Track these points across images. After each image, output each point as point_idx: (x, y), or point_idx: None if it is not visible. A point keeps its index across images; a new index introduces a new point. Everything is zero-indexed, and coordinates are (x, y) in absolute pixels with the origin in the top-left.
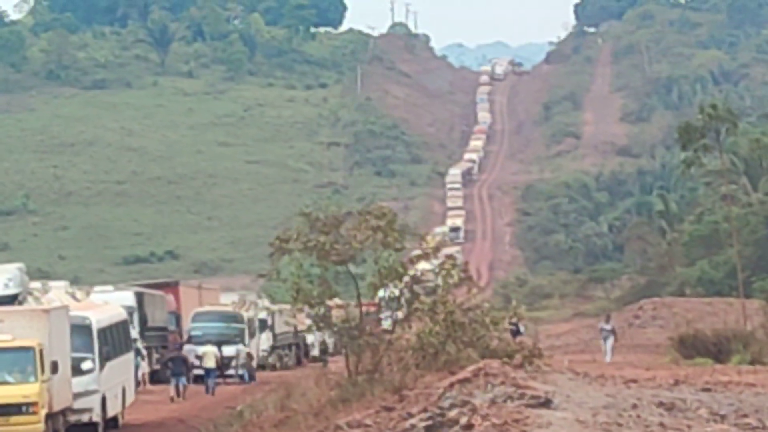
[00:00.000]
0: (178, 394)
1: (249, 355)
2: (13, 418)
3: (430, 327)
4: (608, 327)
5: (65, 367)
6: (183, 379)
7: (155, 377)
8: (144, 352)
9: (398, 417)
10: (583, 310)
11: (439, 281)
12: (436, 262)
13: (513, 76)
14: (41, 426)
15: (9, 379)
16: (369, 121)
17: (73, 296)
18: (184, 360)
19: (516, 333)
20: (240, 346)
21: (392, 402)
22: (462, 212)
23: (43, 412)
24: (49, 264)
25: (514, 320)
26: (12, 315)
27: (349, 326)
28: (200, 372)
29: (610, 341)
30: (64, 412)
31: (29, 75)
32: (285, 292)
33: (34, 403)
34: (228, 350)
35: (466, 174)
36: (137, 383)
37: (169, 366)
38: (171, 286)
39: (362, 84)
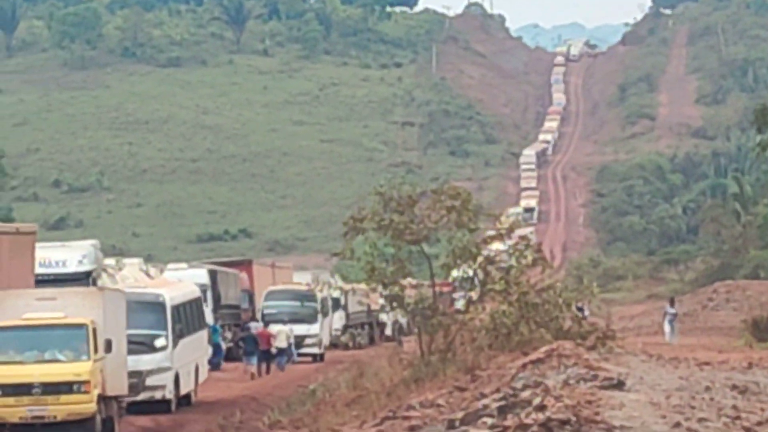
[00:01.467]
0: (259, 373)
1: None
2: (64, 397)
3: (503, 307)
4: (672, 310)
5: (120, 353)
6: (254, 359)
7: (228, 355)
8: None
9: (471, 397)
10: (657, 292)
11: (513, 262)
12: (509, 242)
13: (588, 57)
14: (93, 406)
15: (60, 357)
16: (443, 101)
17: (147, 273)
18: (256, 339)
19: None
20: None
21: (465, 382)
22: (536, 193)
23: (96, 392)
24: (123, 241)
25: (580, 304)
26: (65, 294)
27: (422, 306)
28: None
29: (675, 324)
30: (118, 399)
31: (105, 52)
32: (358, 272)
33: (86, 382)
34: (301, 329)
35: (541, 155)
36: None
37: (241, 345)
38: (244, 265)
39: (437, 64)
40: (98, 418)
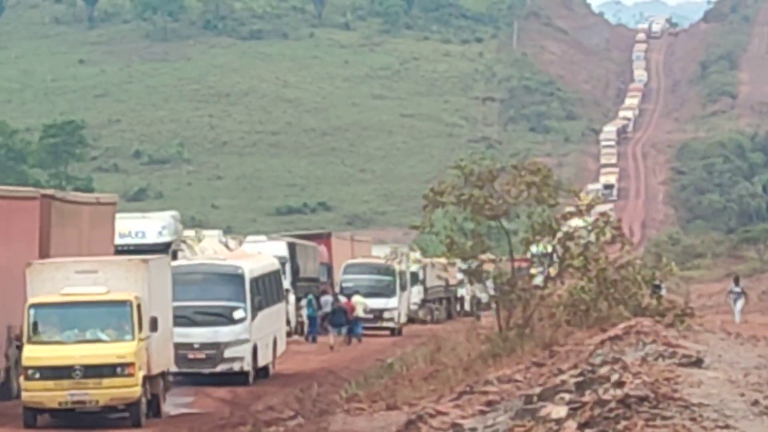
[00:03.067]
0: (349, 341)
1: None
2: (107, 380)
3: (581, 284)
4: (737, 289)
5: (166, 325)
6: (343, 329)
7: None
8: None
9: (548, 373)
10: (736, 270)
11: (592, 238)
12: (588, 219)
13: (669, 35)
14: (138, 390)
15: (102, 336)
16: (524, 77)
17: (226, 245)
18: (344, 311)
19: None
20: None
21: (542, 358)
22: (616, 170)
23: (141, 374)
24: (202, 213)
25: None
26: (107, 265)
27: (501, 281)
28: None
29: (740, 303)
30: (164, 375)
31: (186, 24)
32: (437, 246)
33: (131, 364)
34: (378, 302)
35: (621, 131)
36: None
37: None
38: (323, 238)
39: (518, 39)
40: (143, 401)
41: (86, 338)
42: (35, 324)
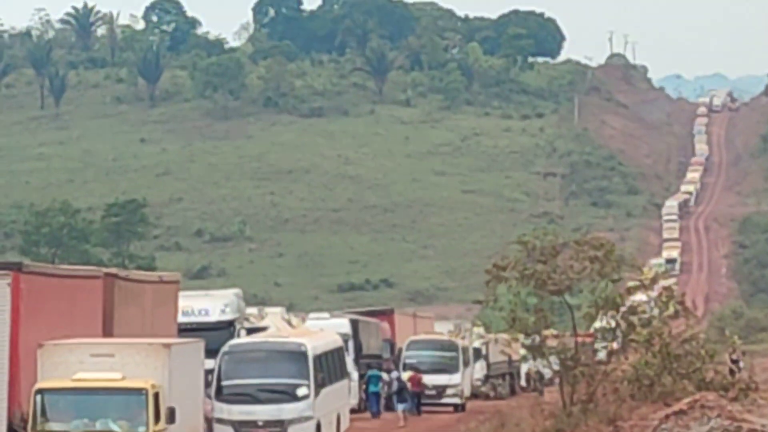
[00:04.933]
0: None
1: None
2: None
3: (645, 358)
4: None
5: (193, 417)
6: (406, 405)
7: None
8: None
9: None
10: None
11: (656, 312)
12: (652, 293)
13: (730, 110)
14: None
15: (114, 427)
16: (585, 152)
17: (289, 323)
18: (405, 386)
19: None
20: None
21: None
22: (678, 244)
23: None
24: (264, 290)
25: (734, 356)
26: (125, 349)
27: (564, 356)
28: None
29: None
30: None
31: (248, 102)
32: (500, 321)
33: None
34: (442, 379)
35: (683, 205)
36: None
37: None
38: (386, 314)
39: (579, 114)
40: None
41: (96, 429)
42: (43, 411)
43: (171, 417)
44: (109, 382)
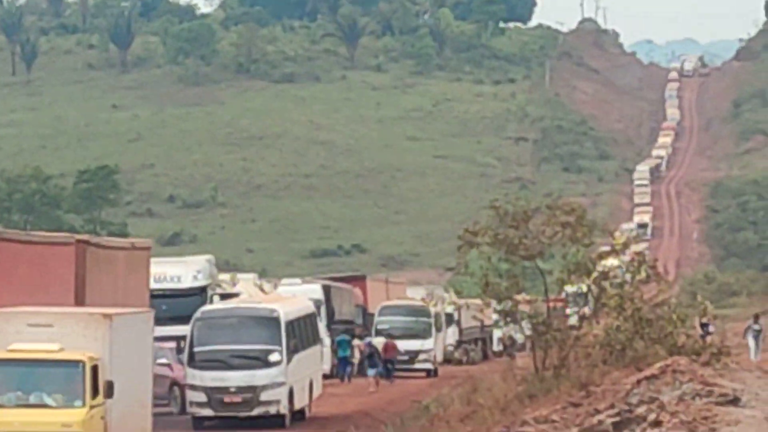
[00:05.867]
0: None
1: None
2: None
3: (617, 323)
4: (757, 327)
5: (137, 391)
6: (378, 371)
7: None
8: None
9: (585, 413)
10: None
11: (627, 277)
12: (624, 258)
13: (701, 76)
14: None
15: (49, 401)
16: (557, 117)
17: (261, 289)
18: (378, 353)
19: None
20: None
21: (579, 398)
22: (649, 209)
23: None
24: (237, 256)
25: (705, 320)
26: (64, 318)
27: (536, 321)
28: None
29: (759, 340)
30: None
31: (219, 68)
32: (472, 287)
33: None
34: (414, 344)
35: (654, 170)
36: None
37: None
38: (358, 280)
39: (551, 79)
40: None
41: (29, 402)
42: None
43: (109, 391)
44: (45, 354)
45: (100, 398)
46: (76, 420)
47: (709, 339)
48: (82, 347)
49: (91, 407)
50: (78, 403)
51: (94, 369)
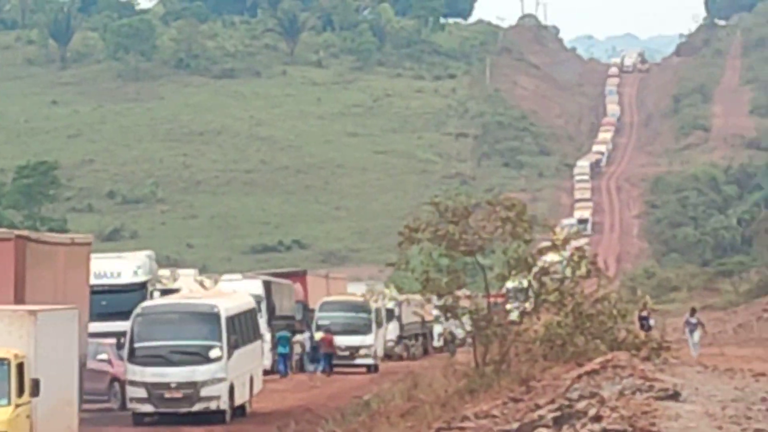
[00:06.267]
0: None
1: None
2: None
3: (558, 318)
4: (693, 320)
5: (63, 389)
6: (319, 366)
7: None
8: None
9: (526, 408)
10: (711, 303)
11: (568, 273)
12: (564, 253)
13: (641, 72)
14: None
15: None
16: (497, 113)
17: (202, 284)
18: (318, 347)
19: (646, 327)
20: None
21: (519, 393)
22: (590, 204)
23: None
24: (177, 252)
25: (644, 313)
26: None
27: (477, 317)
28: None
29: (697, 334)
30: None
31: (159, 64)
32: (413, 282)
33: None
34: (355, 340)
35: (595, 166)
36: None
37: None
38: (299, 276)
39: (491, 75)
40: None
41: None
42: None
43: (35, 389)
44: None
45: (26, 397)
46: (1, 419)
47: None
48: (7, 344)
49: (17, 406)
50: (3, 401)
51: (20, 367)
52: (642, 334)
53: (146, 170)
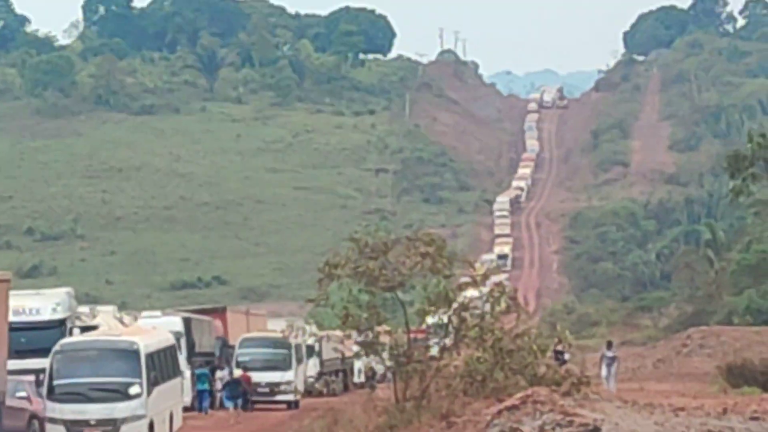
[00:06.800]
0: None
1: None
2: None
3: (478, 354)
4: (610, 354)
5: None
6: (238, 402)
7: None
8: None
9: None
10: (631, 338)
11: (487, 308)
12: (484, 289)
13: (559, 108)
14: None
15: None
16: (417, 148)
17: (121, 321)
18: (239, 383)
19: (561, 361)
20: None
21: (440, 429)
22: (510, 239)
23: None
24: (96, 289)
25: (560, 347)
26: None
27: (397, 353)
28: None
29: (614, 368)
30: None
31: (78, 100)
32: (333, 318)
33: None
34: (275, 376)
35: (514, 201)
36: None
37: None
38: (218, 312)
39: (411, 111)
40: None
41: None
42: None
43: None
44: None
45: None
46: None
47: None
48: None
49: None
50: None
51: None
52: (560, 369)
53: (65, 207)
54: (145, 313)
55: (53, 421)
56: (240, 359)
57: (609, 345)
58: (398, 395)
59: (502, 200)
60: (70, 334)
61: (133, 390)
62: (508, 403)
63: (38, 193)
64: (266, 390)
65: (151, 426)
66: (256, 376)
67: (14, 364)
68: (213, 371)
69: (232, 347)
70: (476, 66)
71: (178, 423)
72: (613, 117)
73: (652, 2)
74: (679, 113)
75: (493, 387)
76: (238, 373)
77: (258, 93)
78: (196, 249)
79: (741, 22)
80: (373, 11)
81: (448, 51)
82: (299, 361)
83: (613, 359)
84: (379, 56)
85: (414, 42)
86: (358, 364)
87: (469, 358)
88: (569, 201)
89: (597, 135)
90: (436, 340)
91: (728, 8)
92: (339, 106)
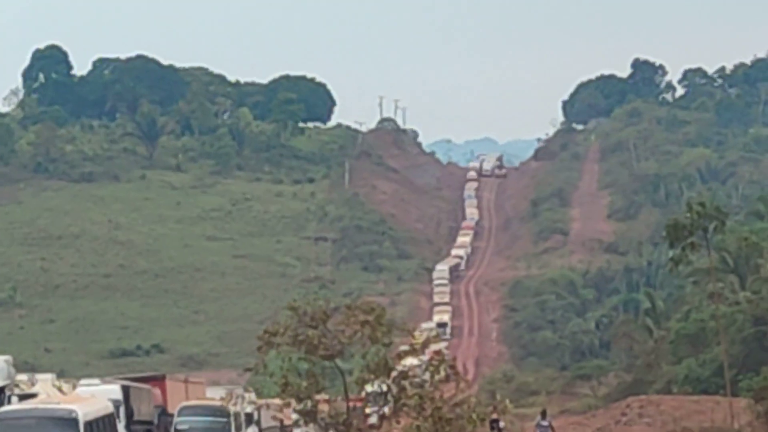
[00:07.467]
0: None
1: None
2: None
3: (417, 422)
4: (545, 423)
5: None
6: None
7: None
8: None
9: None
10: (570, 407)
11: (427, 377)
12: (423, 357)
13: (498, 177)
14: None
15: None
16: (356, 216)
17: (60, 389)
18: None
19: (497, 430)
20: None
21: None
22: (449, 308)
23: None
24: (35, 357)
25: (495, 416)
26: None
27: (336, 421)
28: None
29: None
30: None
31: (17, 168)
32: (272, 386)
33: None
34: None
35: (454, 270)
36: None
37: None
38: (157, 380)
39: (350, 179)
40: None
41: None
42: None
43: None
44: None
45: None
46: None
47: None
48: None
49: None
50: None
51: None
52: None
53: (4, 274)
54: (83, 381)
55: None
56: (179, 427)
57: (543, 414)
58: None
59: (442, 268)
60: (9, 402)
61: None
62: None
63: None
64: None
65: None
66: None
67: None
68: None
69: (171, 415)
70: (416, 134)
71: None
72: (553, 186)
73: (591, 71)
74: (618, 182)
75: None
76: None
77: (197, 161)
78: (135, 317)
79: (680, 91)
80: (312, 79)
81: (388, 119)
82: (238, 429)
83: (547, 428)
84: (319, 124)
85: (354, 110)
86: None
87: (409, 426)
88: (508, 269)
89: (536, 203)
90: (375, 408)
91: (667, 78)
92: (278, 174)
